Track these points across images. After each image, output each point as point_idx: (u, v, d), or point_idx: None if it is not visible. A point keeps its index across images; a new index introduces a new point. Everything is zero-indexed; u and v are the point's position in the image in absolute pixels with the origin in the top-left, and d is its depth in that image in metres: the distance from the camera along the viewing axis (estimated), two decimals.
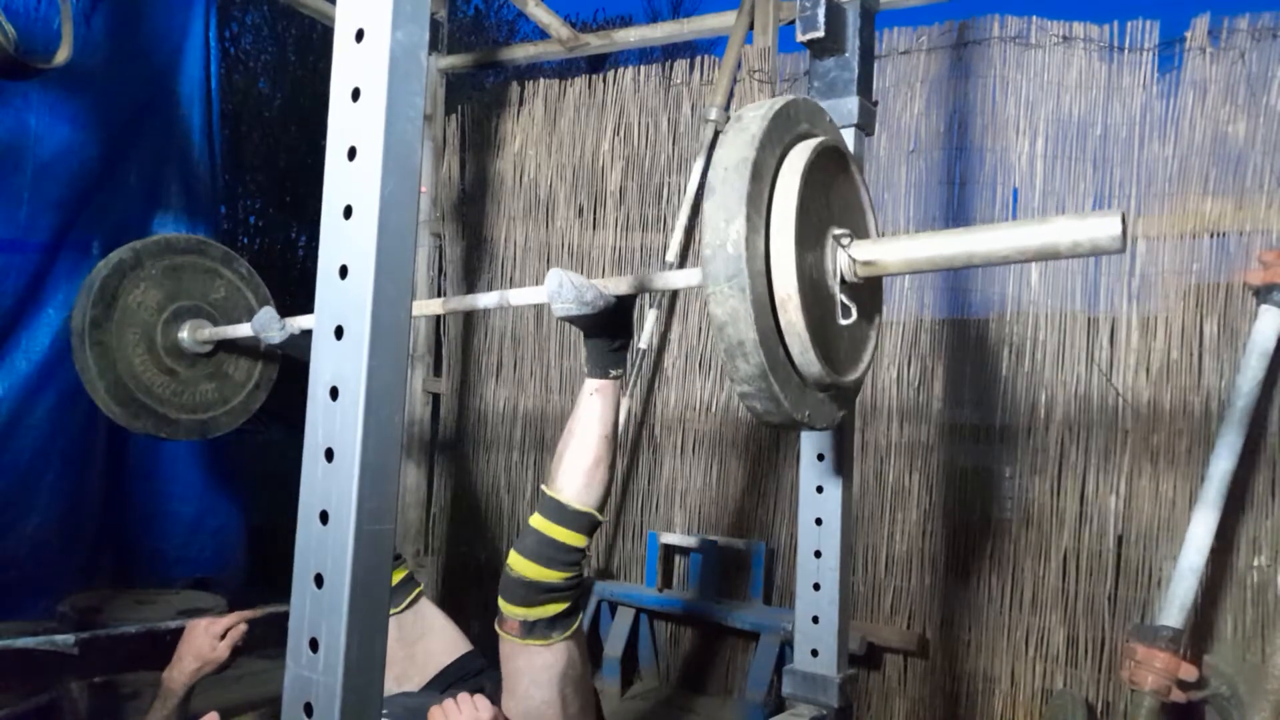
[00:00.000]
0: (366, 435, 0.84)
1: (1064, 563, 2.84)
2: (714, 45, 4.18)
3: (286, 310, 1.97)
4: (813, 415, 1.20)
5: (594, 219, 3.71)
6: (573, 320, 1.37)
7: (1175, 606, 2.42)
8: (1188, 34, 2.78)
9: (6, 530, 3.04)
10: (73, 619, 2.84)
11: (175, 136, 3.55)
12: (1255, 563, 2.59)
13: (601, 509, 1.46)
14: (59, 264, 3.14)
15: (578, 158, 3.75)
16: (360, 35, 0.88)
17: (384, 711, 1.41)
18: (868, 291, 1.33)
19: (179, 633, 1.72)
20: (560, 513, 1.42)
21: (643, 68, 3.64)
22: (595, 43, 3.84)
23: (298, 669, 0.86)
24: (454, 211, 4.00)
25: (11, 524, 3.06)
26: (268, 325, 1.90)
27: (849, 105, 1.53)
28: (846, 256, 1.21)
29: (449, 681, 1.68)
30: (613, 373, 1.45)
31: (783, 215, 1.11)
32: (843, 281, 1.22)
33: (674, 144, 3.55)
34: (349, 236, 0.87)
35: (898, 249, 1.21)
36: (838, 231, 1.22)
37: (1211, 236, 2.73)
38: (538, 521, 1.44)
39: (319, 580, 0.85)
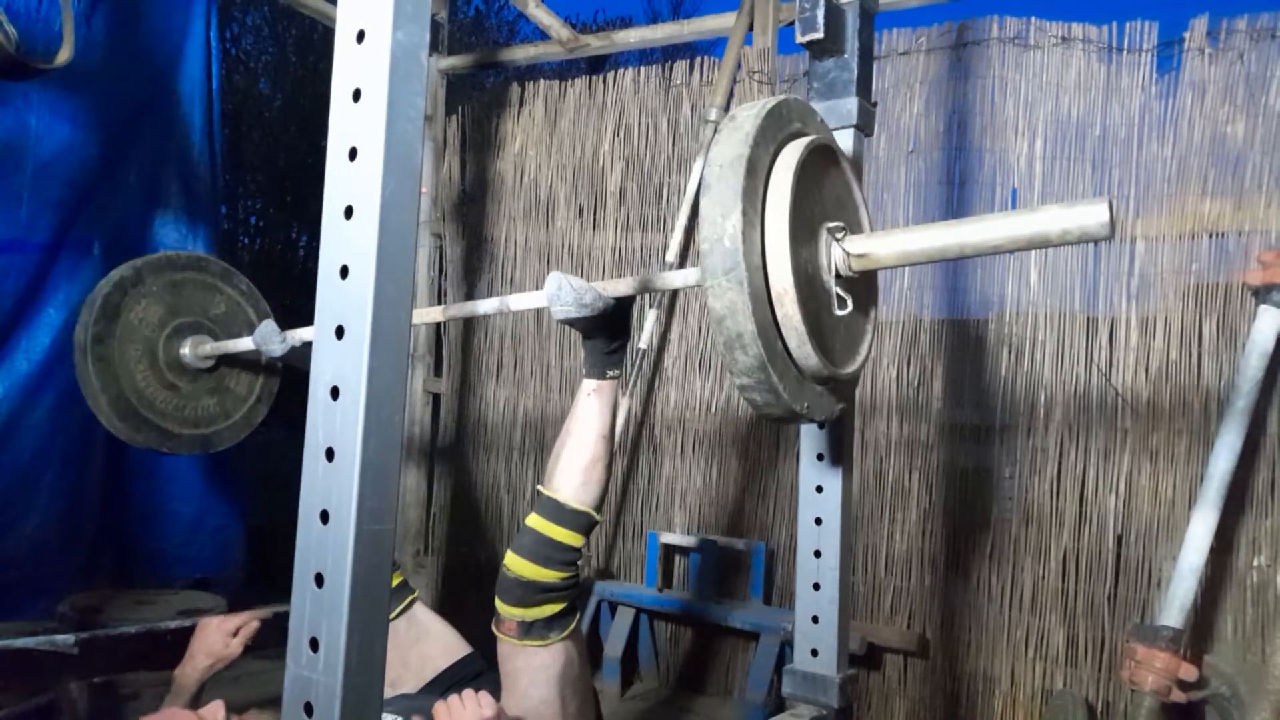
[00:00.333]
0: (367, 435, 0.84)
1: (1064, 562, 2.84)
2: (714, 46, 4.18)
3: (287, 309, 1.98)
4: (811, 407, 1.21)
5: (594, 219, 3.71)
6: (572, 323, 1.38)
7: (1175, 606, 2.42)
8: (1186, 35, 2.78)
9: (6, 530, 3.05)
10: (73, 619, 2.84)
11: (176, 136, 3.55)
12: (1255, 563, 2.59)
13: (599, 508, 1.46)
14: (59, 264, 3.14)
15: (578, 158, 3.75)
16: (361, 36, 0.88)
17: (385, 711, 1.41)
18: (863, 285, 1.34)
19: (179, 633, 1.73)
20: (557, 512, 1.43)
21: (643, 69, 3.64)
22: (595, 44, 3.84)
23: (298, 669, 0.86)
24: (454, 212, 4.00)
25: (11, 524, 3.06)
26: (269, 338, 1.91)
27: (848, 106, 1.53)
28: (840, 250, 1.22)
29: (447, 685, 1.68)
30: (610, 374, 1.46)
31: (777, 210, 1.12)
32: (837, 275, 1.24)
33: (674, 144, 3.55)
34: (350, 237, 0.87)
35: (890, 241, 1.22)
36: (831, 225, 1.23)
37: (1210, 236, 2.73)
38: (535, 521, 1.44)
39: (319, 580, 0.85)
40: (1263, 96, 2.68)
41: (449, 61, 3.99)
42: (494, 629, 1.47)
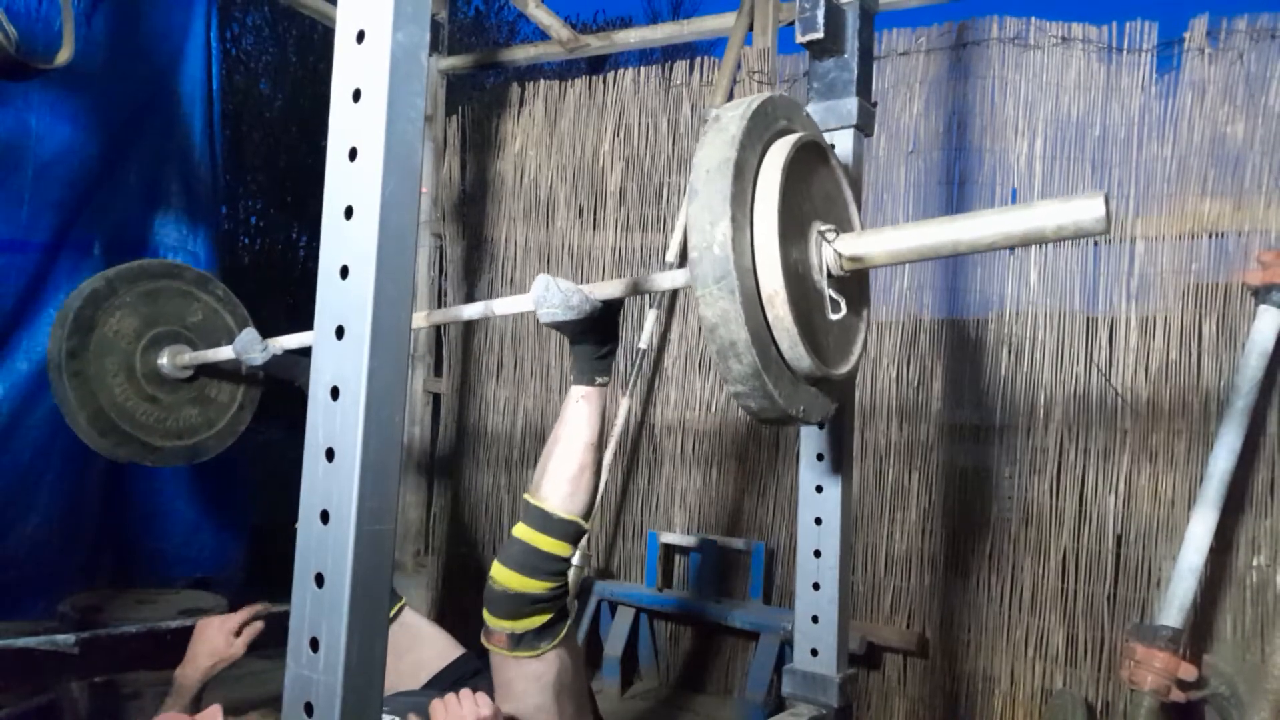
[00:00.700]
0: (367, 435, 0.85)
1: (1063, 562, 2.84)
2: (714, 46, 4.18)
3: (287, 309, 1.97)
4: (807, 410, 1.20)
5: (594, 219, 3.71)
6: (559, 326, 1.35)
7: (1175, 606, 2.42)
8: (1186, 35, 2.78)
9: (6, 530, 3.05)
10: (73, 619, 2.84)
11: (176, 137, 3.55)
12: (1255, 562, 2.59)
13: (586, 517, 1.43)
14: (59, 264, 3.14)
15: (578, 158, 3.76)
16: (361, 36, 0.88)
17: (384, 710, 1.41)
18: (854, 283, 1.33)
19: (179, 632, 1.72)
20: (545, 521, 1.39)
21: (643, 69, 3.64)
22: (595, 44, 3.84)
23: (298, 668, 0.86)
24: (454, 212, 4.00)
25: (11, 524, 3.06)
26: (249, 347, 1.87)
27: (848, 106, 1.53)
28: (832, 250, 1.21)
29: (445, 685, 1.67)
30: (599, 380, 1.43)
31: (766, 212, 1.11)
32: (829, 275, 1.22)
33: (674, 144, 3.55)
34: (350, 237, 0.87)
35: (882, 241, 1.20)
36: (823, 227, 1.22)
37: (1210, 237, 2.73)
38: (522, 531, 1.41)
39: (319, 580, 0.86)
40: (1263, 96, 2.68)
41: (449, 61, 3.99)
42: (484, 641, 1.45)
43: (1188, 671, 2.38)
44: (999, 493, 2.95)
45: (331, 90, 0.90)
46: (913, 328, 3.08)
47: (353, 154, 0.88)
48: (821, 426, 1.58)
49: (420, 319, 1.77)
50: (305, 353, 1.77)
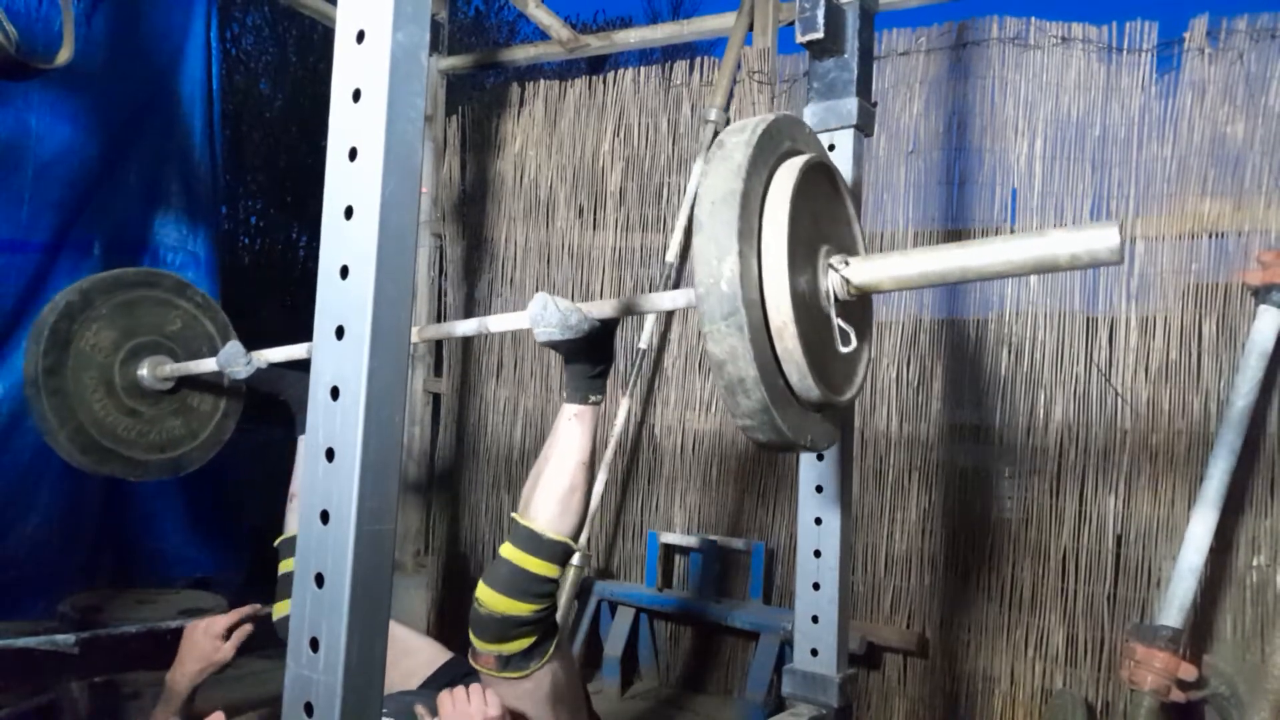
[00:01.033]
0: (367, 435, 0.85)
1: (1063, 562, 2.84)
2: (714, 46, 4.19)
3: (287, 310, 1.96)
4: (815, 439, 1.19)
5: (594, 219, 3.71)
6: (555, 345, 1.33)
7: (1175, 606, 2.42)
8: (1186, 35, 2.78)
9: (6, 530, 3.05)
10: (73, 619, 2.84)
11: (176, 137, 3.55)
12: (1254, 563, 2.59)
13: (576, 538, 1.40)
14: (59, 264, 3.14)
15: (578, 158, 3.76)
16: (361, 36, 0.88)
17: (384, 710, 1.41)
18: (859, 306, 1.31)
19: (179, 633, 1.70)
20: (533, 542, 1.36)
21: (643, 69, 3.64)
22: (595, 44, 3.84)
23: (298, 668, 0.86)
24: (454, 212, 4.00)
25: (11, 524, 3.06)
26: (233, 360, 1.81)
27: (848, 106, 1.53)
28: (839, 278, 1.19)
29: (442, 685, 1.66)
30: (593, 398, 1.40)
31: (775, 246, 1.08)
32: (835, 299, 1.20)
33: (674, 144, 3.55)
34: (350, 237, 0.87)
35: (890, 267, 1.18)
36: (831, 257, 1.20)
37: (1210, 237, 2.73)
38: (509, 551, 1.37)
39: (319, 580, 0.86)
40: (1262, 96, 2.68)
41: (449, 62, 3.99)
42: (471, 661, 1.42)
43: (1188, 671, 2.38)
44: (999, 493, 2.95)
45: (331, 90, 0.90)
46: (913, 328, 3.08)
47: (353, 154, 0.88)
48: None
49: (413, 335, 1.74)
50: (290, 367, 1.75)
